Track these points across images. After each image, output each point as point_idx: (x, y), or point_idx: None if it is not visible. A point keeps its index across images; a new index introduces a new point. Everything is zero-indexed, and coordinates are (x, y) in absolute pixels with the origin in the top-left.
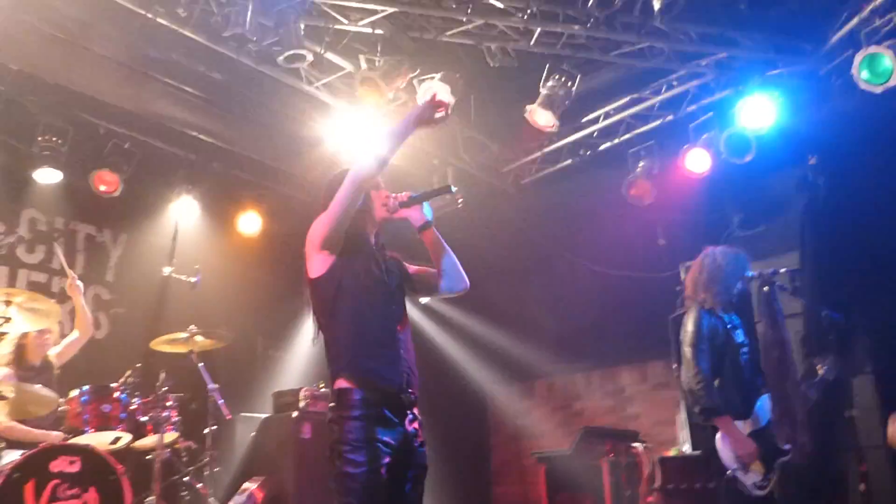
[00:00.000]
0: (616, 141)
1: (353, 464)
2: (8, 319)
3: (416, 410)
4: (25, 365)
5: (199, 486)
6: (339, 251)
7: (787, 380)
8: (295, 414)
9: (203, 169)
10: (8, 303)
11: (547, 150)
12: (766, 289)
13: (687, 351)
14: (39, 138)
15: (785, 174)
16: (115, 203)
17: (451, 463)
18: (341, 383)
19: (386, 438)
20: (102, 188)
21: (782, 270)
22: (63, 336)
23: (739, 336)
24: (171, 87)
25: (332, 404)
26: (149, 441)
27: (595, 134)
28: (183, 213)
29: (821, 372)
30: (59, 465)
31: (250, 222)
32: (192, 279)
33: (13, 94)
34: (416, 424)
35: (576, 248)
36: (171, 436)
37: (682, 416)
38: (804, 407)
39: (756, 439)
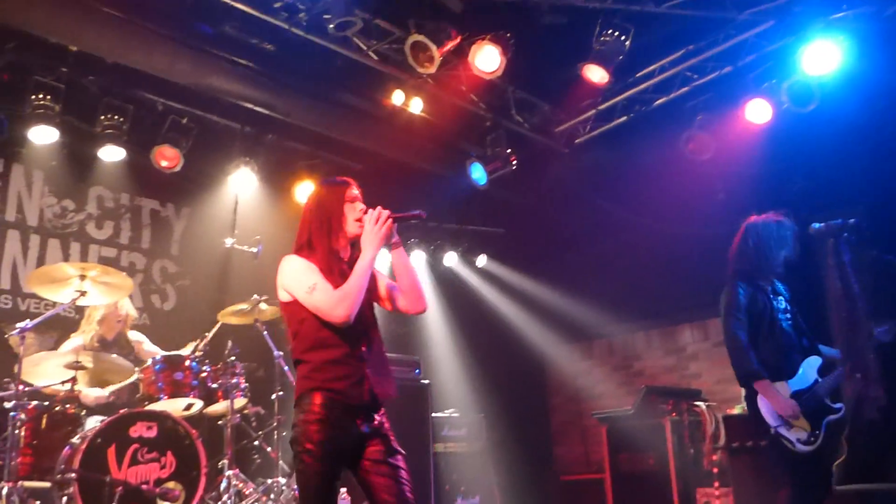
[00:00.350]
0: (672, 95)
1: (306, 463)
2: (84, 293)
3: (374, 415)
4: (98, 337)
5: (269, 449)
6: None
7: (858, 334)
8: None
9: (259, 140)
10: (83, 277)
11: (600, 108)
12: (832, 241)
13: (725, 321)
14: (101, 117)
15: (850, 123)
16: (177, 178)
17: (510, 425)
18: (305, 392)
19: (337, 440)
20: (164, 163)
21: (850, 221)
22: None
23: (781, 303)
24: (224, 61)
25: (295, 409)
26: (219, 407)
27: (650, 89)
28: (242, 185)
29: (874, 334)
30: (138, 430)
31: (307, 191)
32: (254, 249)
33: (74, 76)
34: (373, 424)
35: (632, 205)
36: (240, 402)
37: None
38: (875, 361)
39: (801, 398)
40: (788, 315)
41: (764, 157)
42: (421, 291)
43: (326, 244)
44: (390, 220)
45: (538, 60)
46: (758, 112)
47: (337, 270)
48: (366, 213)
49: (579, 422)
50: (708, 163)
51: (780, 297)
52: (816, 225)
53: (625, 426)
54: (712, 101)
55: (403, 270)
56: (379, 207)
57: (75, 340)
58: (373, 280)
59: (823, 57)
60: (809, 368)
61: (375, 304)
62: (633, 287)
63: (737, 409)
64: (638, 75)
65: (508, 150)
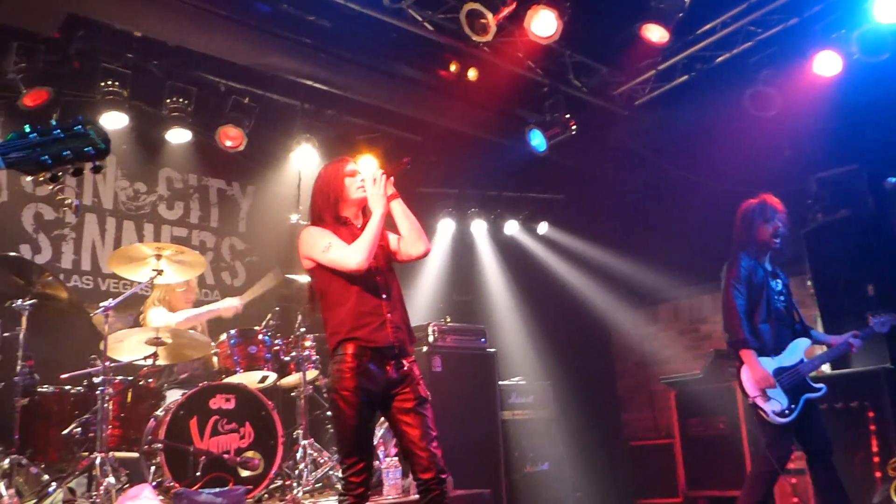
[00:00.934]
0: (734, 52)
1: (341, 408)
2: (160, 272)
3: (403, 361)
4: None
5: None
6: None
7: None
8: (425, 348)
9: (319, 117)
10: (158, 256)
11: (660, 68)
12: None
13: (725, 290)
14: (167, 101)
15: None
16: (241, 157)
17: (577, 392)
18: (337, 345)
19: (368, 386)
20: (228, 143)
21: None
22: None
23: (778, 285)
24: (282, 39)
25: (330, 360)
26: (292, 379)
27: (711, 46)
28: (304, 162)
29: (871, 323)
30: (217, 402)
31: (367, 164)
32: None
33: (140, 61)
34: (403, 370)
35: (696, 166)
36: (311, 373)
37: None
38: None
39: (784, 374)
40: (783, 298)
41: (833, 112)
42: (419, 234)
43: (333, 213)
44: (385, 175)
45: (595, 23)
46: (826, 64)
47: (348, 234)
48: (363, 181)
49: (647, 387)
50: (773, 120)
51: (779, 280)
52: (892, 179)
53: (694, 390)
54: (777, 56)
55: (402, 217)
56: (374, 170)
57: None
58: (385, 238)
59: (894, 3)
60: (797, 348)
61: (392, 261)
62: (698, 249)
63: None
64: (699, 32)
65: (567, 116)
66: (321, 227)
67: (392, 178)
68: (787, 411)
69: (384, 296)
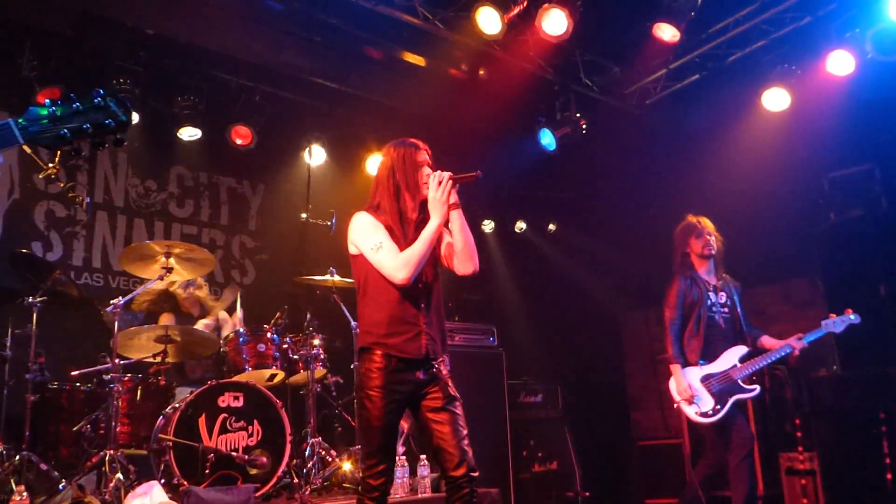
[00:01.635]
0: (747, 50)
1: (367, 408)
2: (170, 270)
3: (433, 362)
4: (184, 312)
5: (349, 418)
6: None
7: None
8: None
9: (329, 115)
10: (168, 254)
11: (672, 66)
12: None
13: (662, 309)
14: (179, 98)
15: None
16: (252, 155)
17: (586, 391)
18: (367, 346)
19: (396, 387)
20: (238, 141)
21: None
22: (214, 284)
23: (721, 298)
24: (294, 37)
25: (359, 359)
26: (300, 377)
27: (724, 45)
28: (314, 160)
29: (851, 315)
30: (226, 400)
31: (377, 164)
32: (328, 223)
33: (152, 59)
34: (432, 371)
35: (707, 166)
36: (320, 372)
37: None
38: None
39: (710, 379)
40: (726, 310)
41: (846, 111)
42: (471, 253)
43: (396, 207)
44: (451, 182)
45: (606, 21)
46: (840, 63)
47: (402, 233)
48: (430, 175)
49: (656, 386)
50: (786, 119)
51: (722, 293)
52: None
53: None
54: (790, 55)
55: (458, 232)
56: (439, 171)
57: (167, 317)
58: (438, 241)
59: None
60: (730, 355)
61: (438, 263)
62: None
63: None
64: (711, 31)
65: (578, 115)
66: (376, 216)
67: (457, 187)
68: (710, 412)
69: (423, 305)
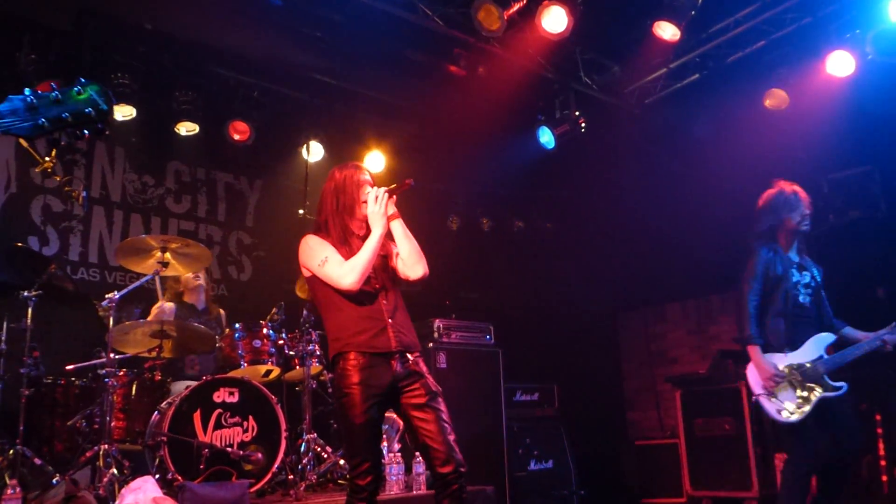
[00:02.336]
0: (748, 51)
1: (347, 407)
2: (167, 265)
3: (408, 355)
4: (187, 305)
5: None
6: None
7: None
8: (430, 345)
9: (327, 111)
10: (165, 249)
11: (672, 66)
12: None
13: (742, 286)
14: (177, 94)
15: None
16: (249, 151)
17: (583, 390)
18: (338, 353)
19: (374, 382)
20: (236, 137)
21: None
22: (212, 279)
23: (805, 277)
24: (293, 33)
25: (334, 366)
26: (296, 373)
27: (724, 45)
28: (312, 156)
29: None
30: (221, 395)
31: (376, 161)
32: None
33: (151, 54)
34: (408, 364)
35: (706, 166)
36: (315, 368)
37: None
38: None
39: (798, 371)
40: (810, 291)
41: (846, 113)
42: (417, 258)
43: (340, 224)
44: (387, 195)
45: (606, 19)
46: (840, 64)
47: (347, 249)
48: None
49: (653, 386)
50: (785, 120)
51: (807, 273)
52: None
53: (699, 391)
54: (791, 55)
55: (402, 239)
56: (376, 188)
57: (168, 304)
58: (388, 249)
59: None
60: (817, 344)
61: (396, 278)
62: (708, 249)
63: None
64: (712, 30)
65: (577, 113)
66: (322, 236)
67: (394, 198)
68: (792, 411)
69: (384, 301)
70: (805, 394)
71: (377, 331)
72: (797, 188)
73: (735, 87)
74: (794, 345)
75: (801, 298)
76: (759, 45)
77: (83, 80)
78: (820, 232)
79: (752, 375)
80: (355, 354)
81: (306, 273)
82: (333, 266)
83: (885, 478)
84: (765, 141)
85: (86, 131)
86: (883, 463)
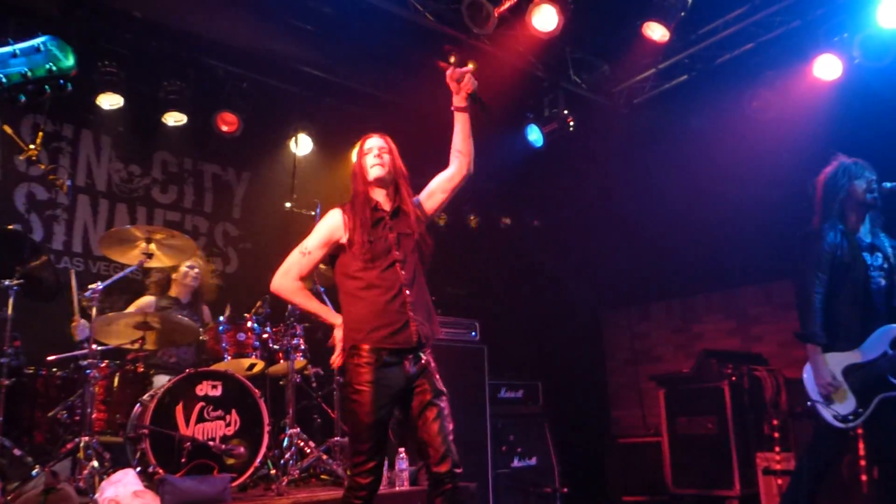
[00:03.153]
0: (736, 52)
1: (357, 403)
2: (151, 255)
3: (421, 354)
4: (170, 298)
5: (329, 410)
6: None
7: None
8: None
9: (316, 104)
10: (149, 240)
11: (661, 66)
12: None
13: (804, 275)
14: (165, 83)
15: None
16: (237, 142)
17: (567, 387)
18: (355, 343)
19: (387, 382)
20: (224, 128)
21: None
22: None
23: (878, 259)
24: (283, 25)
25: (347, 356)
26: (280, 367)
27: (713, 46)
28: (300, 149)
29: None
30: (204, 388)
31: None
32: (312, 213)
33: (139, 43)
34: (421, 363)
35: (693, 166)
36: (300, 362)
37: None
38: None
39: (859, 371)
40: (884, 273)
41: (832, 116)
42: (472, 155)
43: (357, 192)
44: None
45: (596, 19)
46: (827, 68)
47: (369, 221)
48: (379, 155)
49: (636, 385)
50: (772, 122)
51: (878, 253)
52: (888, 185)
53: (683, 389)
54: (779, 58)
55: (466, 132)
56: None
57: (147, 299)
58: (416, 212)
59: None
60: (881, 338)
61: (422, 255)
62: (693, 249)
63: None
64: (701, 32)
65: (566, 112)
66: (346, 211)
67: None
68: (850, 416)
69: (407, 293)
70: (864, 398)
71: (400, 325)
72: (841, 156)
73: (723, 88)
74: (858, 342)
75: (871, 285)
76: (747, 47)
77: (41, 34)
78: (804, 233)
79: (809, 378)
80: (370, 350)
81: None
82: (288, 261)
83: (864, 477)
84: (752, 143)
85: (47, 88)
86: (863, 463)
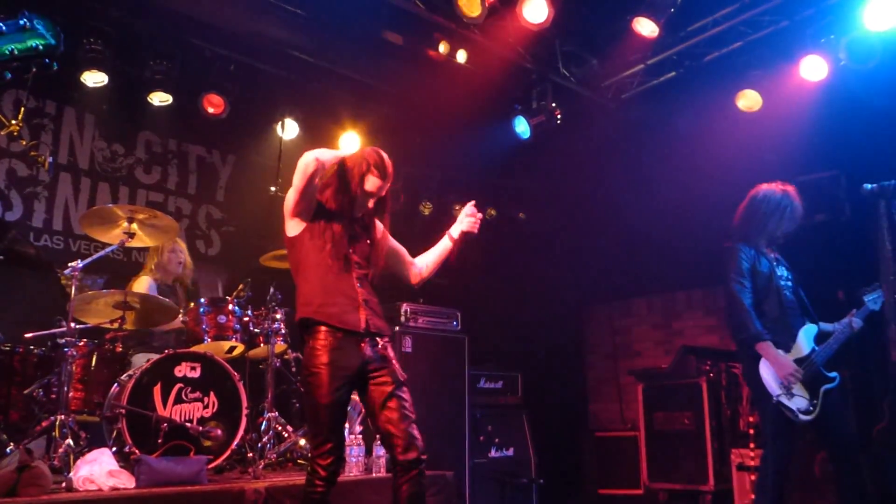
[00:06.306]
0: (724, 50)
1: (314, 385)
2: (132, 235)
3: (378, 339)
4: (161, 278)
5: None
6: (309, 218)
7: None
8: (396, 328)
9: (304, 89)
10: (131, 220)
11: (649, 62)
12: (884, 203)
13: (728, 285)
14: (151, 63)
15: None
16: (223, 124)
17: (547, 380)
18: (307, 317)
19: (343, 363)
20: (210, 110)
21: None
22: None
23: (783, 272)
24: (272, 7)
25: (303, 333)
26: (260, 351)
27: (702, 44)
28: (287, 133)
29: (865, 302)
30: (182, 370)
31: (350, 141)
32: None
33: (126, 21)
34: (378, 348)
35: (678, 163)
36: (280, 346)
37: None
38: None
39: (803, 365)
40: (790, 284)
41: (816, 117)
42: (431, 275)
43: (348, 191)
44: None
45: (587, 12)
46: (813, 69)
47: (336, 219)
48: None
49: (615, 379)
50: (757, 121)
51: (782, 267)
52: (868, 186)
53: (661, 385)
54: (766, 57)
55: (439, 258)
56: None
57: (145, 279)
58: (384, 237)
59: (886, 11)
60: (808, 336)
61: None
62: (676, 246)
63: None
64: (690, 29)
65: (553, 104)
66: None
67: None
68: (811, 407)
69: (358, 285)
70: (813, 389)
71: (350, 308)
72: (797, 198)
73: (710, 86)
74: (793, 340)
75: (787, 293)
76: (735, 45)
77: (28, 12)
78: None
79: (768, 374)
80: (326, 332)
81: (289, 231)
82: (306, 155)
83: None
84: (737, 141)
85: (32, 66)
86: None
